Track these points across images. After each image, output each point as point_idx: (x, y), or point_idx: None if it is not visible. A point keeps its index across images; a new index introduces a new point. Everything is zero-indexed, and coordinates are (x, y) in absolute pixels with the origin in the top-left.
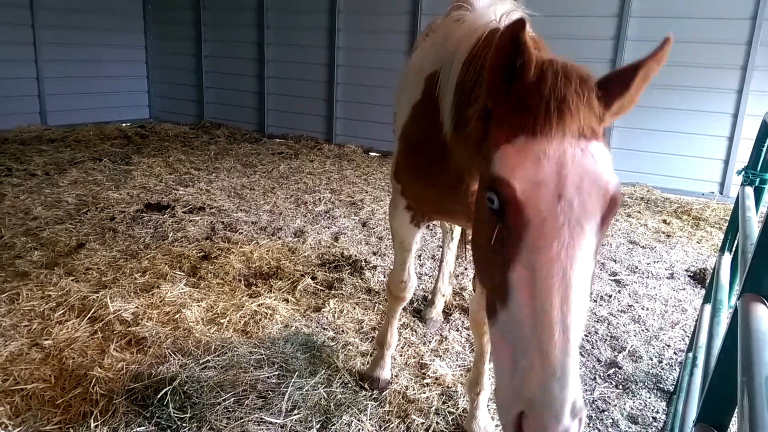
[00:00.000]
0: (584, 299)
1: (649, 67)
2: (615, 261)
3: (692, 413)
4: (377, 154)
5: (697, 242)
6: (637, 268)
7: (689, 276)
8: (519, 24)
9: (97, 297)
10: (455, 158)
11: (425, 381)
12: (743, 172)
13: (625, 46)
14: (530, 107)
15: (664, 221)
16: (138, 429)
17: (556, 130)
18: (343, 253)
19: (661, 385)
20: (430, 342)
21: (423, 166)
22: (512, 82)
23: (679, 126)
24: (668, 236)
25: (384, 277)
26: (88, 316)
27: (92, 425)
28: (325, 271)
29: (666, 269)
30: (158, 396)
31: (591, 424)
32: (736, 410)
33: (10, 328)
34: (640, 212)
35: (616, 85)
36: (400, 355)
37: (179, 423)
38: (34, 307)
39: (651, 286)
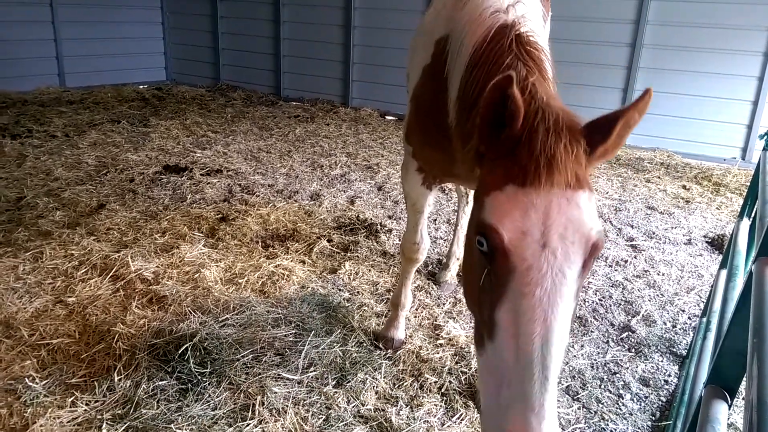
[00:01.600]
0: (564, 339)
1: (631, 116)
2: (632, 226)
3: (703, 376)
4: (393, 118)
5: (717, 208)
6: (654, 233)
7: (707, 242)
8: (506, 80)
9: (119, 256)
10: (454, 140)
11: (439, 342)
12: (766, 137)
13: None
14: (520, 158)
15: (684, 187)
16: (160, 383)
17: (545, 182)
18: (358, 216)
19: (674, 350)
20: (444, 304)
21: (432, 131)
22: (502, 130)
23: (702, 89)
24: (687, 202)
25: (399, 240)
26: (110, 274)
27: (116, 379)
28: (341, 234)
29: (684, 235)
30: (179, 352)
31: (602, 386)
32: (746, 373)
33: (35, 285)
34: (659, 177)
35: (599, 133)
36: (414, 317)
37: (200, 377)
38: (57, 265)
39: (668, 252)
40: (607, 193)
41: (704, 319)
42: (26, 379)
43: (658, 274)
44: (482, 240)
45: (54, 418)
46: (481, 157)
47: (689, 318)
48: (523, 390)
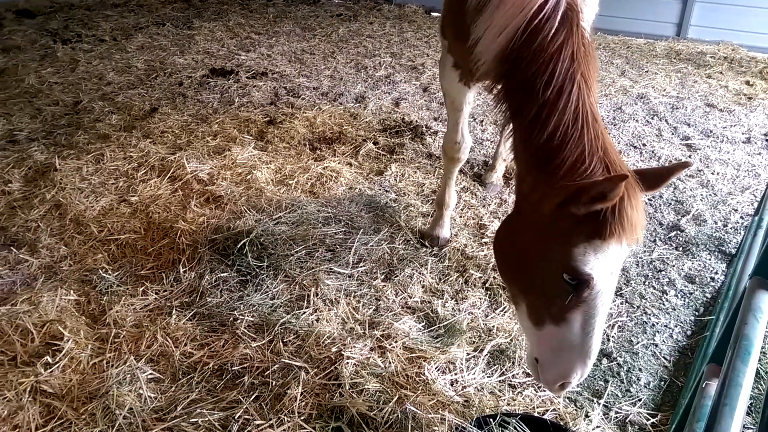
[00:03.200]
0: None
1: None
2: (688, 125)
3: (750, 270)
4: (439, 14)
5: None
6: (711, 132)
7: (767, 140)
8: (621, 178)
9: (174, 158)
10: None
11: (483, 240)
12: None
13: None
14: (608, 223)
15: (747, 82)
16: (222, 274)
17: (634, 235)
18: (404, 118)
19: (723, 248)
20: (489, 205)
21: (465, 25)
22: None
23: None
24: (749, 99)
25: None
26: (168, 175)
27: (181, 271)
28: (387, 137)
29: (743, 133)
30: (237, 246)
31: (646, 283)
32: None
33: (99, 186)
34: (721, 73)
35: (650, 186)
36: (460, 216)
37: (257, 270)
38: (118, 166)
39: (724, 151)
40: (664, 90)
41: (756, 217)
42: (100, 270)
43: (713, 174)
44: (570, 279)
45: (128, 305)
46: (560, 207)
47: (741, 218)
48: (587, 351)
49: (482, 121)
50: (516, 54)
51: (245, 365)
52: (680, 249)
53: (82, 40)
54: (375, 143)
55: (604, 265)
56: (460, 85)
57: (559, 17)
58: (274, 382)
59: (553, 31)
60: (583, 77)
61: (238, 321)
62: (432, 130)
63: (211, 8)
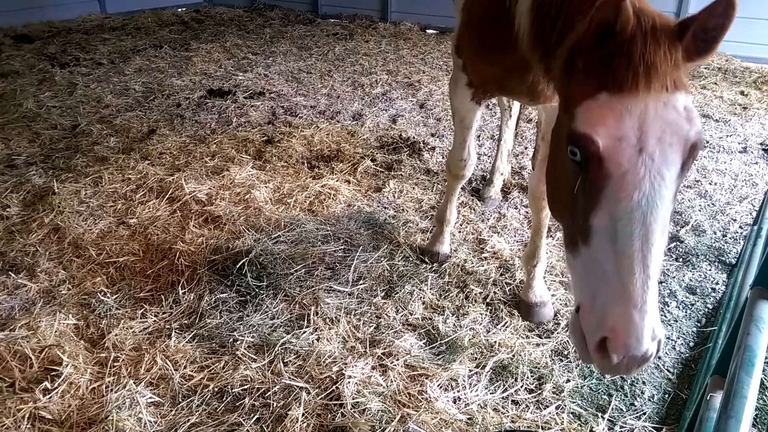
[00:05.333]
0: (664, 238)
1: (727, 23)
2: None
3: (751, 280)
4: (435, 32)
5: None
6: (707, 142)
7: (763, 149)
8: None
9: (173, 179)
10: (525, 50)
11: (483, 255)
12: None
13: None
14: (618, 67)
15: (742, 92)
16: (221, 295)
17: (642, 88)
18: (401, 135)
19: (724, 258)
20: (488, 219)
21: (487, 43)
22: (605, 41)
23: None
24: (745, 108)
25: (442, 158)
26: (167, 196)
27: (180, 292)
28: (384, 153)
29: (739, 143)
30: (237, 267)
31: None
32: None
33: (98, 209)
34: (716, 83)
35: (696, 38)
36: (459, 232)
37: (257, 290)
38: (116, 189)
39: (721, 161)
40: None
41: (755, 227)
42: (98, 294)
43: (710, 184)
44: (575, 150)
45: (127, 328)
46: (569, 70)
47: (740, 227)
48: (626, 288)
49: (479, 136)
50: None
51: (246, 387)
52: (680, 260)
53: (80, 64)
54: (373, 160)
55: (615, 124)
56: (471, 104)
57: None
58: (275, 404)
59: None
60: None
61: (238, 342)
62: (429, 146)
63: (208, 30)
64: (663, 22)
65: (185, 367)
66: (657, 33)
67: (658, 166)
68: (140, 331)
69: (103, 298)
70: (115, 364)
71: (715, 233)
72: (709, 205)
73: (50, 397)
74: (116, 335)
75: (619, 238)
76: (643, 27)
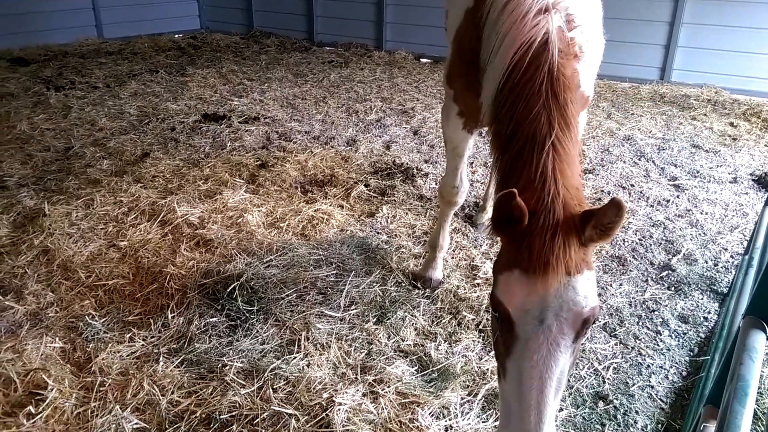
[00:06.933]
0: (558, 391)
1: (620, 221)
2: (675, 165)
3: (743, 309)
4: (428, 61)
5: (765, 145)
6: (698, 172)
7: (753, 180)
8: (510, 195)
9: (165, 202)
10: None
11: (476, 281)
12: None
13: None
14: (526, 250)
15: (731, 124)
16: (211, 320)
17: (545, 272)
18: (395, 161)
19: (715, 287)
20: (481, 245)
21: (474, 76)
22: (512, 225)
23: (753, 20)
24: (734, 139)
25: (435, 184)
26: (158, 219)
27: (169, 316)
28: (378, 179)
29: (729, 173)
30: (227, 291)
31: (640, 323)
32: None
33: (89, 231)
34: (705, 115)
35: (596, 227)
36: (452, 258)
37: (247, 314)
38: (108, 211)
39: (712, 191)
40: (650, 132)
41: (747, 256)
42: (86, 317)
43: (701, 213)
44: (495, 311)
45: (114, 353)
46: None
47: (732, 256)
48: (523, 425)
49: (472, 163)
50: (502, 102)
51: (234, 413)
52: (672, 288)
53: (76, 87)
54: (366, 185)
55: (522, 299)
56: (463, 132)
57: (539, 80)
58: (263, 431)
59: (532, 92)
60: (556, 144)
61: (227, 367)
62: (423, 172)
63: (205, 56)
64: (567, 215)
65: (173, 393)
66: (557, 228)
67: (554, 336)
68: (128, 355)
69: (90, 321)
70: (102, 388)
71: (706, 262)
72: (700, 234)
73: (34, 422)
74: (103, 359)
75: (522, 385)
76: (544, 224)
